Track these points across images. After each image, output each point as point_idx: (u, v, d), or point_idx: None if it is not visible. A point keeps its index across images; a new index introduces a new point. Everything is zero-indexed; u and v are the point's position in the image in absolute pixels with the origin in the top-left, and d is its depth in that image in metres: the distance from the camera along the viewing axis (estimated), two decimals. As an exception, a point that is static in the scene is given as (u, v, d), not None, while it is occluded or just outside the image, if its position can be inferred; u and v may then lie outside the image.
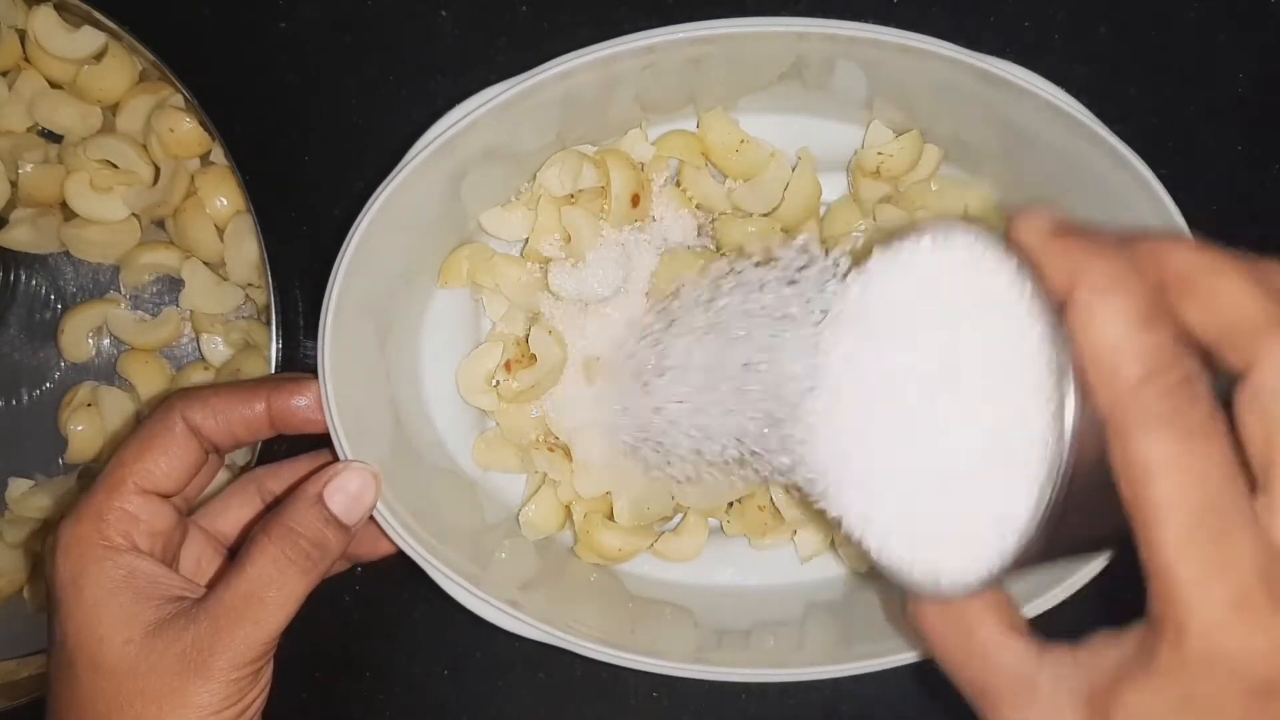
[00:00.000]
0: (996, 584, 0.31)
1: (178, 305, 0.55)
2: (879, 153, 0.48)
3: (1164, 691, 0.28)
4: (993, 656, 0.32)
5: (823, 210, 0.50)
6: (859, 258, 0.35)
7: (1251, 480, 0.27)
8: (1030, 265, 0.29)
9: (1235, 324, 0.28)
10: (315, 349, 0.43)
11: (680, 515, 0.51)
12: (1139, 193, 0.44)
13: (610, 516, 0.50)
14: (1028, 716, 0.31)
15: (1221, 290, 0.28)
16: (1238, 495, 0.27)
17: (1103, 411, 0.28)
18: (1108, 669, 0.29)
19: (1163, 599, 0.27)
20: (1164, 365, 0.27)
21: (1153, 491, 0.27)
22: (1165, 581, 0.27)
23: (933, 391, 0.31)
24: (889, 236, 0.34)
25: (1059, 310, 0.28)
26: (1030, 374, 0.29)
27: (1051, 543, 0.29)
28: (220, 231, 0.54)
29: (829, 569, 0.52)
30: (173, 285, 0.56)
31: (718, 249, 0.50)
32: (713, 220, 0.50)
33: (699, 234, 0.51)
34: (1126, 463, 0.27)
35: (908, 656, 0.45)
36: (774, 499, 0.49)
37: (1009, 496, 0.29)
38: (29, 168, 0.54)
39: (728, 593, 0.52)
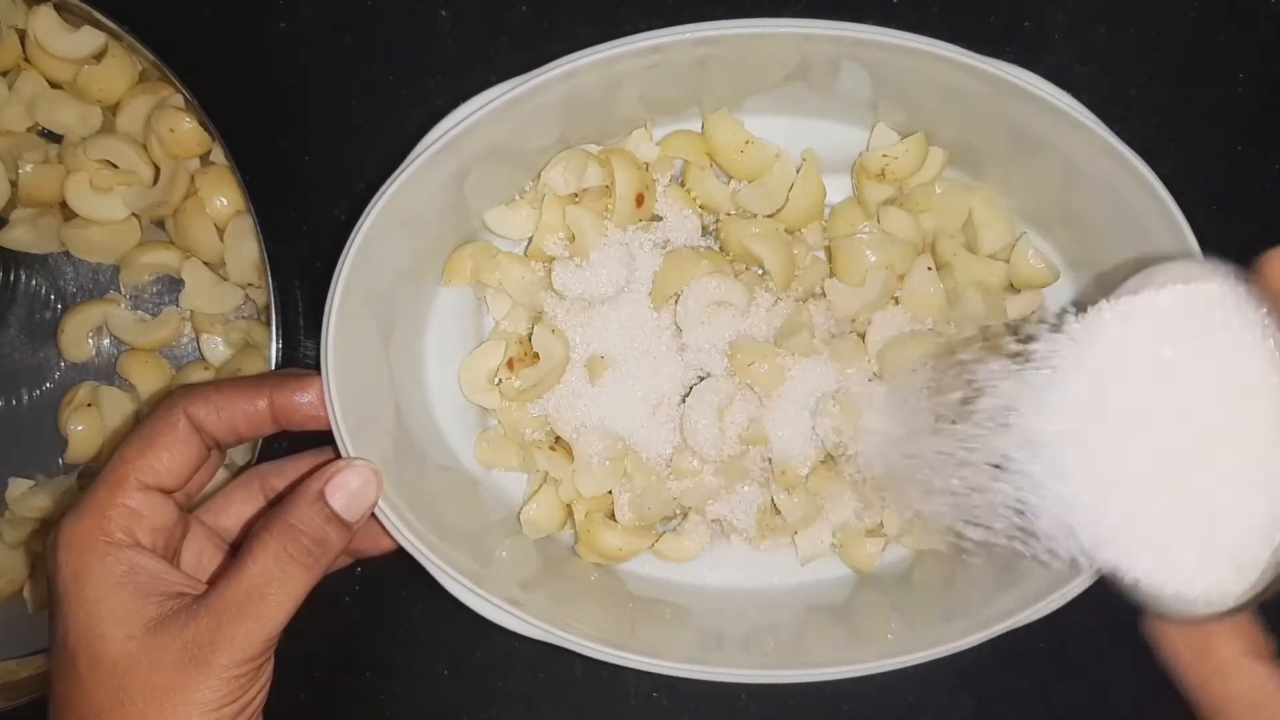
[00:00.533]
0: (1242, 611, 0.32)
1: (178, 305, 0.55)
2: (884, 155, 0.48)
3: None
4: (1231, 678, 0.33)
5: (827, 212, 0.50)
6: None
7: None
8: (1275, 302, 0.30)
9: None
10: (315, 349, 0.43)
11: (681, 515, 0.51)
12: (1139, 193, 0.44)
13: (611, 516, 0.50)
14: None
15: None
16: None
17: None
18: None
19: None
20: None
21: None
22: None
23: (1189, 427, 0.32)
24: (1128, 280, 0.35)
25: None
26: (1276, 406, 0.29)
27: None
28: (220, 231, 0.54)
29: (829, 571, 0.52)
30: (173, 285, 0.56)
31: (722, 250, 0.50)
32: (717, 221, 0.51)
33: (703, 234, 0.51)
34: None
35: (907, 658, 0.45)
36: (775, 500, 0.49)
37: (1253, 521, 0.30)
38: (29, 168, 0.54)
39: (728, 593, 0.52)
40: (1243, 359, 0.31)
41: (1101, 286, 0.46)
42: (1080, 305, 0.36)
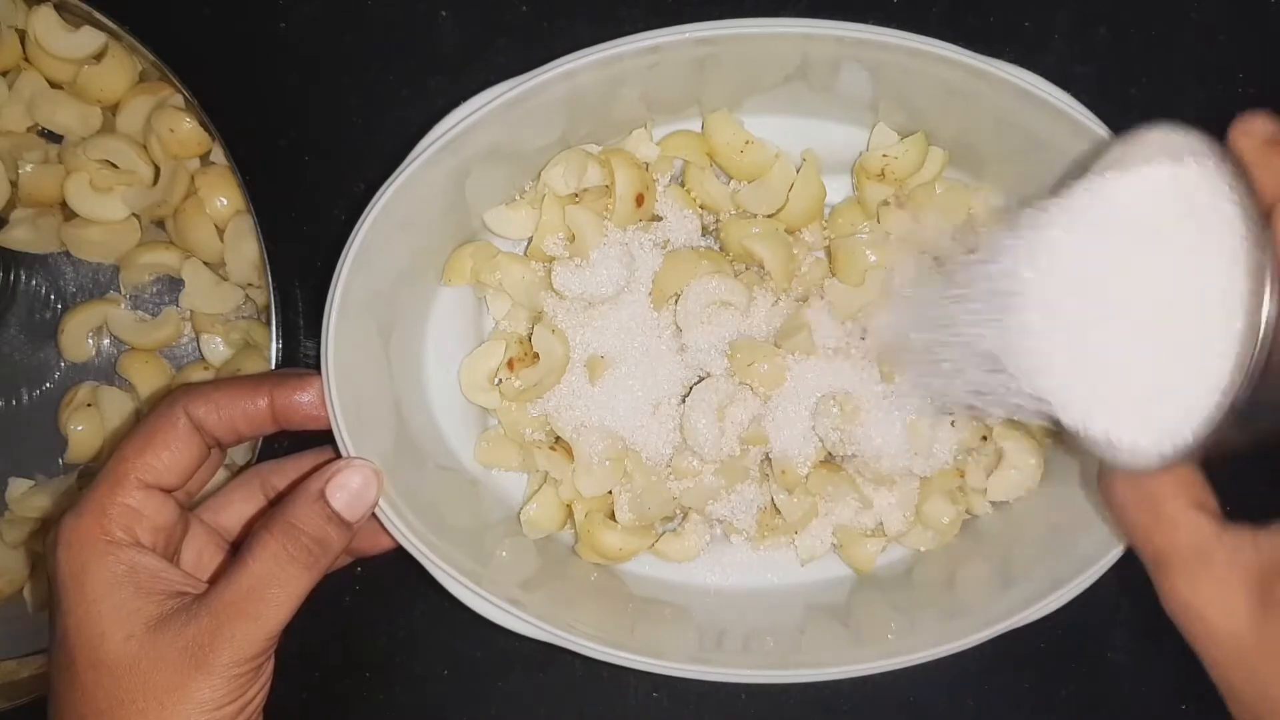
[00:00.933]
0: (1187, 459, 0.33)
1: (178, 305, 0.55)
2: (884, 155, 0.48)
3: None
4: (1176, 528, 0.35)
5: (827, 211, 0.50)
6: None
7: None
8: (1242, 171, 0.32)
9: None
10: (315, 349, 0.43)
11: (681, 515, 0.51)
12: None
13: (611, 516, 0.50)
14: (1198, 586, 0.34)
15: None
16: None
17: None
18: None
19: None
20: None
21: None
22: None
23: (1140, 283, 0.34)
24: (1112, 148, 0.37)
25: (1266, 215, 0.31)
26: (1234, 271, 0.31)
27: (1241, 428, 0.32)
28: (220, 231, 0.54)
29: (829, 571, 0.52)
30: (173, 285, 0.56)
31: (722, 250, 0.50)
32: (717, 221, 0.51)
33: (703, 234, 0.51)
34: None
35: (907, 658, 0.45)
36: (775, 500, 0.49)
37: (1203, 379, 0.32)
38: (29, 168, 0.54)
39: (728, 593, 0.52)
40: (1211, 239, 0.32)
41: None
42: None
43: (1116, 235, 0.35)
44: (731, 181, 0.50)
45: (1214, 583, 0.34)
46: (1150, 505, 0.36)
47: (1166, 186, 0.34)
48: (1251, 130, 0.33)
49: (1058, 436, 0.49)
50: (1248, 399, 0.31)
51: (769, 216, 0.49)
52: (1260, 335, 0.31)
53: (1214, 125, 0.55)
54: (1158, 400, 0.34)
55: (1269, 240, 0.31)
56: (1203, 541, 0.34)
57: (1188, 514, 0.35)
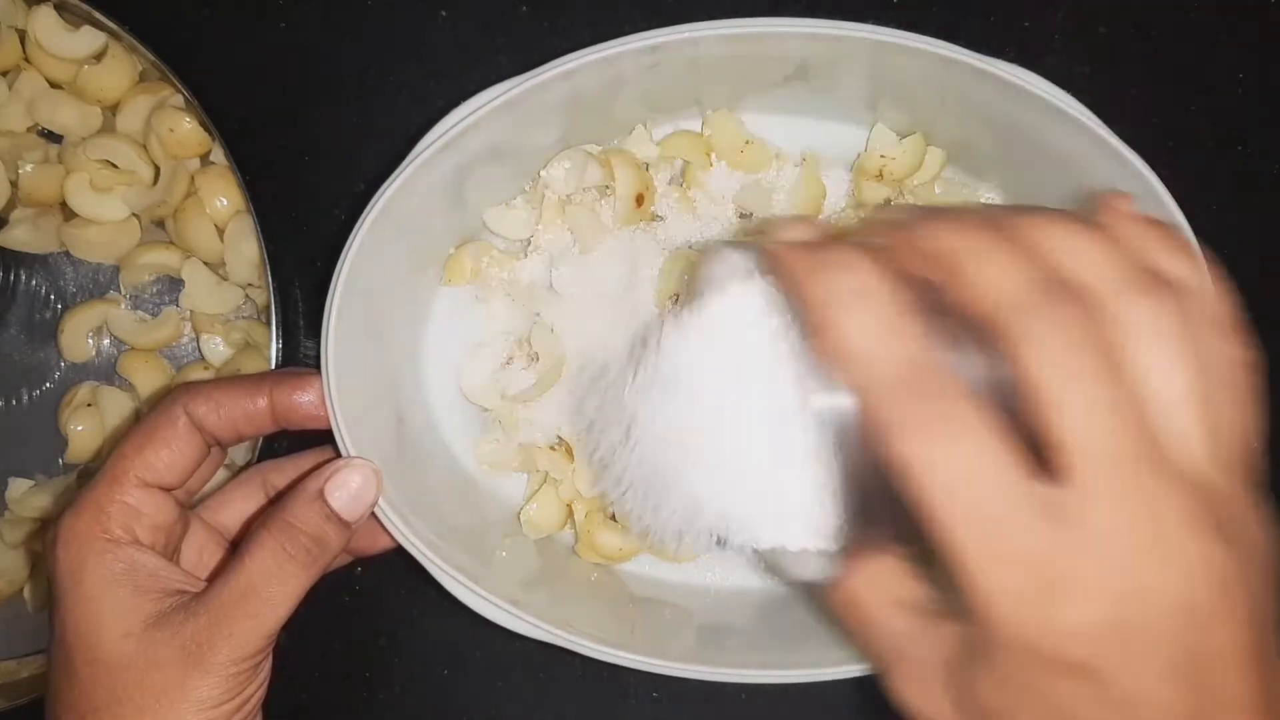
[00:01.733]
0: (830, 567, 0.33)
1: (178, 305, 0.55)
2: (882, 155, 0.48)
3: (994, 676, 0.28)
4: (877, 629, 0.33)
5: (826, 212, 0.50)
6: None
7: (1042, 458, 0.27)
8: (788, 284, 0.31)
9: (993, 310, 0.28)
10: (315, 349, 0.43)
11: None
12: (1139, 192, 0.44)
13: (611, 516, 0.50)
14: (905, 687, 0.32)
15: (975, 274, 0.29)
16: (1010, 484, 0.27)
17: (868, 418, 0.28)
18: (958, 647, 0.30)
19: (967, 592, 0.27)
20: (912, 369, 0.28)
21: (926, 494, 0.27)
22: (961, 575, 0.27)
23: (747, 398, 0.33)
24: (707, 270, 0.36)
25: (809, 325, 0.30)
26: (799, 389, 0.31)
27: (868, 530, 0.31)
28: (220, 231, 0.54)
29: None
30: (173, 285, 0.56)
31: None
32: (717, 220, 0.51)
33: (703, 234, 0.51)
34: (895, 466, 0.28)
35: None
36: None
37: (819, 501, 0.32)
38: (29, 168, 0.54)
39: (728, 593, 0.52)
40: (772, 354, 0.32)
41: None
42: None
43: (713, 352, 0.34)
44: (732, 177, 0.50)
45: (918, 685, 0.31)
46: (853, 610, 0.34)
47: (741, 305, 0.34)
48: (787, 237, 0.32)
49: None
50: (853, 505, 0.31)
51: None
52: (832, 445, 0.30)
53: (1214, 125, 0.55)
54: (790, 518, 0.33)
55: (811, 349, 0.30)
56: (901, 641, 0.32)
57: (882, 612, 0.33)
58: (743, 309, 0.34)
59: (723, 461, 0.34)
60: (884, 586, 0.33)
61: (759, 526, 0.34)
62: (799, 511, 0.33)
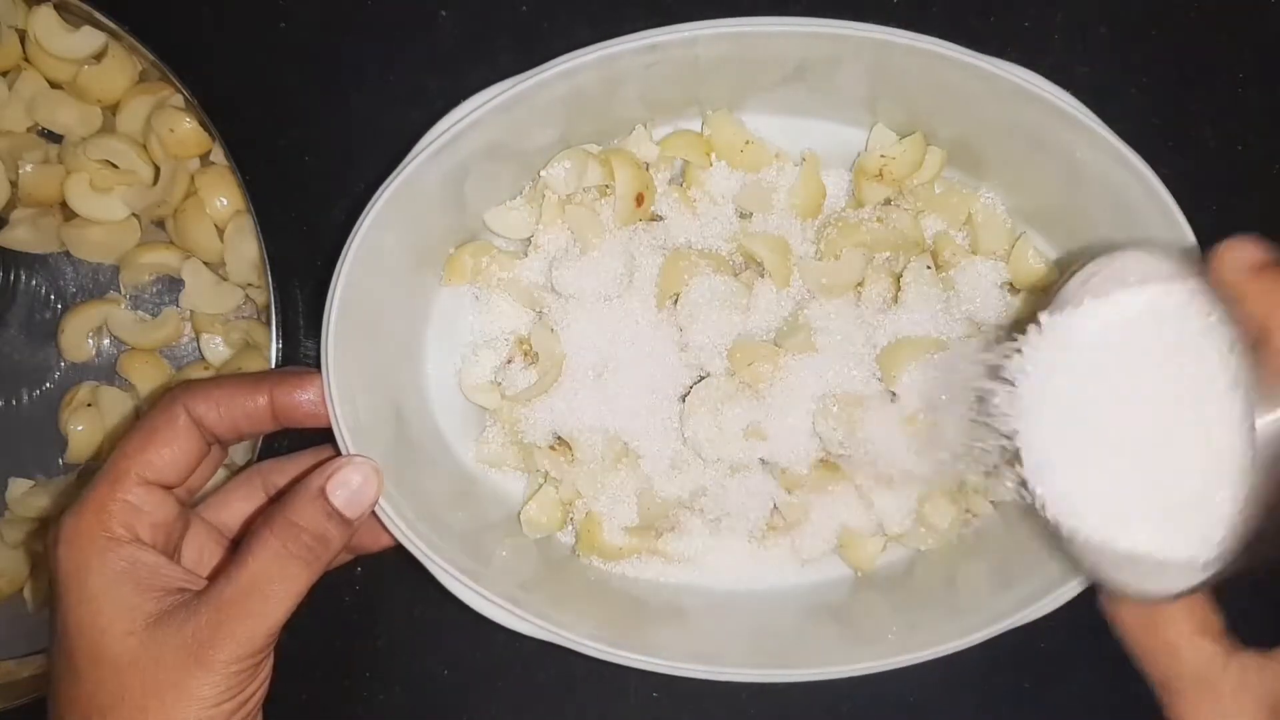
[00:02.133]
0: (1192, 594, 0.32)
1: (178, 305, 0.55)
2: (881, 155, 0.48)
3: None
4: (1179, 655, 0.34)
5: (826, 213, 0.50)
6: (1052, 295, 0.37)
7: None
8: (1228, 298, 0.31)
9: None
10: (315, 349, 0.43)
11: (681, 515, 0.51)
12: (1139, 192, 0.44)
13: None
14: (1201, 715, 0.33)
15: None
16: None
17: None
18: None
19: None
20: None
21: None
22: None
23: (1149, 423, 0.33)
24: (1086, 271, 0.36)
25: (1254, 342, 0.30)
26: (1230, 400, 0.30)
27: (1251, 558, 0.31)
28: (220, 231, 0.54)
29: (829, 571, 0.52)
30: (173, 285, 0.56)
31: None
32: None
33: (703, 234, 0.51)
34: None
35: (907, 658, 0.45)
36: (775, 500, 0.49)
37: (1211, 511, 0.31)
38: (29, 168, 0.54)
39: (728, 594, 0.51)
40: (1193, 360, 0.32)
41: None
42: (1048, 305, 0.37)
43: (1108, 359, 0.34)
44: (732, 177, 0.50)
45: (1219, 714, 0.33)
46: (1153, 630, 0.35)
47: (1148, 313, 0.33)
48: (1236, 257, 0.32)
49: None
50: (1256, 530, 0.30)
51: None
52: (1260, 464, 0.30)
53: (1214, 126, 0.55)
54: (1162, 533, 0.33)
55: (1257, 365, 0.30)
56: (1206, 669, 0.33)
57: (1191, 640, 0.34)
58: (1167, 306, 0.33)
59: (1121, 449, 0.34)
60: (1195, 612, 0.34)
61: (1132, 524, 0.34)
62: (1188, 519, 0.32)
